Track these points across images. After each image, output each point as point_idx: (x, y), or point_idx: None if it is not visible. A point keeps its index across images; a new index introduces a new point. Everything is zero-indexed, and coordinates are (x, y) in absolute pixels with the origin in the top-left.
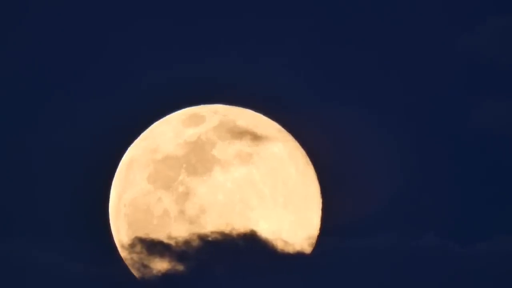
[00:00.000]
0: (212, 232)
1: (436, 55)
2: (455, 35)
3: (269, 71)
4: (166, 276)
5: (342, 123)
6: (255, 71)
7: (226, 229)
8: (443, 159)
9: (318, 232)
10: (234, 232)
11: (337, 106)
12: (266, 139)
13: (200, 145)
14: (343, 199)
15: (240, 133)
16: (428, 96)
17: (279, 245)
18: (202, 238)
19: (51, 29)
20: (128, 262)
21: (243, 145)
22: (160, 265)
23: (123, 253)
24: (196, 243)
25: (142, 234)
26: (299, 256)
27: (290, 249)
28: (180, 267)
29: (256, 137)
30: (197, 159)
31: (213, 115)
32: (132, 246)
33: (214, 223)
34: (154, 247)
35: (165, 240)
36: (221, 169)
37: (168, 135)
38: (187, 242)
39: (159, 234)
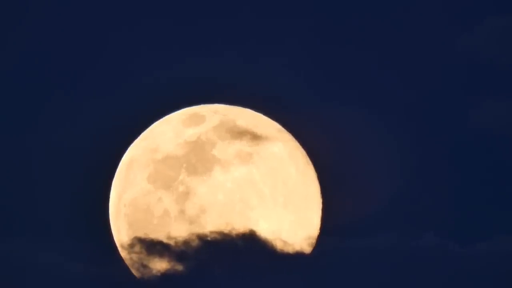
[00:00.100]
0: (211, 232)
1: (436, 55)
2: (455, 35)
3: (269, 71)
4: (165, 276)
5: (342, 123)
6: (255, 71)
7: (226, 229)
8: (443, 159)
9: (318, 232)
10: (234, 232)
11: (337, 106)
12: (266, 139)
13: (200, 145)
14: (343, 199)
15: (240, 133)
16: (428, 96)
17: (279, 245)
18: (202, 238)
19: (51, 29)
20: (128, 262)
21: (243, 145)
22: (160, 265)
23: (123, 253)
24: (195, 243)
25: (142, 234)
26: (298, 256)
27: (290, 249)
28: (179, 267)
29: (256, 137)
30: (197, 159)
31: (213, 115)
32: (131, 246)
33: (214, 223)
34: (153, 247)
35: (165, 240)
36: (221, 169)
37: (168, 135)
38: (186, 242)
39: (159, 234)
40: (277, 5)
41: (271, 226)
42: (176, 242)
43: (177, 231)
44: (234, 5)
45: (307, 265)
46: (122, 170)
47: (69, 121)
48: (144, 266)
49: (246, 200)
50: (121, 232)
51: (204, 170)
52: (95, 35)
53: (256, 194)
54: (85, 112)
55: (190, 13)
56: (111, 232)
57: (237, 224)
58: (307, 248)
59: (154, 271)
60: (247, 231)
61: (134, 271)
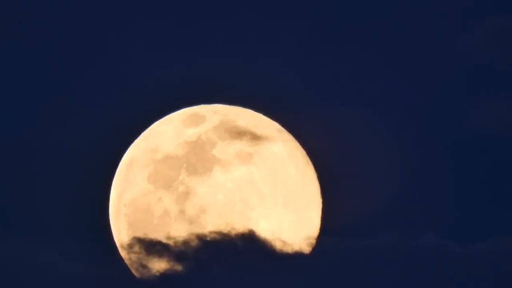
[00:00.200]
0: (210, 232)
1: (435, 55)
2: (454, 35)
3: (269, 71)
4: (164, 276)
5: (342, 123)
6: (255, 71)
7: (226, 228)
8: (443, 159)
9: (318, 232)
10: (233, 232)
11: (337, 106)
12: (266, 139)
13: (200, 145)
14: (343, 199)
15: (240, 133)
16: (428, 96)
17: (278, 245)
18: (201, 238)
19: (51, 29)
20: (128, 262)
21: (243, 145)
22: (159, 265)
23: (123, 253)
24: (194, 243)
25: (142, 234)
26: (298, 256)
27: (290, 249)
28: (178, 267)
29: (256, 137)
30: (197, 158)
31: (213, 115)
32: (130, 246)
33: (214, 222)
34: (152, 247)
35: (164, 240)
36: (221, 168)
37: (168, 135)
38: (185, 242)
39: (160, 234)
40: (277, 5)
41: (271, 226)
42: (175, 242)
43: (177, 231)
44: (234, 5)
45: (306, 265)
46: (122, 170)
47: (69, 121)
48: (143, 266)
49: (246, 200)
50: (121, 232)
51: (204, 170)
52: (95, 35)
53: (256, 194)
54: (85, 112)
55: (190, 13)
56: (111, 232)
57: (237, 224)
58: (306, 248)
59: (153, 271)
60: (247, 231)
61: (134, 271)
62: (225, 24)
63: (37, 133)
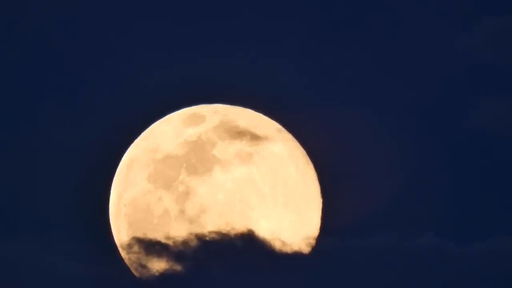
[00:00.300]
0: (210, 232)
1: (435, 55)
2: (453, 35)
3: (269, 71)
4: (164, 276)
5: (342, 123)
6: (255, 71)
7: (225, 228)
8: (442, 159)
9: (318, 232)
10: (232, 232)
11: (337, 106)
12: (266, 138)
13: (200, 144)
14: (343, 199)
15: (240, 133)
16: (427, 96)
17: (278, 245)
18: (200, 238)
19: (51, 29)
20: (128, 262)
21: (243, 145)
22: (158, 265)
23: (123, 253)
24: (193, 243)
25: (142, 233)
26: (298, 256)
27: (290, 249)
28: (178, 267)
29: (256, 137)
30: (197, 158)
31: (213, 115)
32: (130, 246)
33: (214, 222)
34: (152, 247)
35: (163, 240)
36: (221, 168)
37: (168, 134)
38: (185, 242)
39: (159, 233)
40: (277, 5)
41: (271, 226)
42: (174, 242)
43: (177, 231)
44: (234, 5)
45: (306, 265)
46: (122, 170)
47: (69, 121)
48: (143, 266)
49: (246, 200)
50: (121, 232)
51: (204, 170)
52: (95, 35)
53: (256, 194)
54: (85, 112)
55: (190, 13)
56: (111, 232)
57: (237, 224)
58: (306, 248)
59: (152, 271)
60: (246, 231)
61: (134, 271)
62: (225, 24)
63: (37, 133)
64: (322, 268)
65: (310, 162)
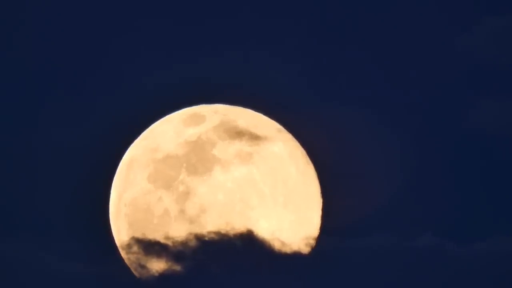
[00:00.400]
0: (209, 232)
1: (434, 55)
2: (453, 35)
3: (269, 71)
4: (163, 276)
5: (342, 123)
6: (255, 71)
7: (226, 228)
8: (442, 159)
9: (318, 232)
10: (231, 232)
11: (337, 106)
12: (266, 138)
13: (200, 144)
14: (343, 199)
15: (240, 133)
16: (426, 96)
17: (277, 245)
18: (199, 238)
19: (52, 29)
20: (128, 262)
21: (243, 145)
22: (157, 265)
23: (123, 253)
24: (193, 243)
25: (142, 233)
26: (297, 256)
27: (290, 249)
28: (177, 267)
29: (256, 137)
30: (198, 158)
31: (213, 115)
32: (129, 246)
33: (214, 222)
34: (151, 247)
35: (162, 240)
36: (221, 168)
37: (169, 134)
38: (184, 242)
39: (160, 233)
40: (277, 5)
41: (271, 226)
42: (173, 242)
43: (177, 231)
44: (234, 5)
45: (306, 265)
46: (123, 169)
47: (69, 121)
48: (142, 267)
49: (246, 200)
50: (121, 232)
51: (204, 170)
52: (95, 35)
53: (256, 194)
54: (85, 112)
55: (190, 13)
56: (111, 232)
57: (237, 224)
58: (305, 248)
59: (152, 272)
60: (245, 231)
61: (134, 271)
62: (225, 24)
63: (37, 133)
64: (322, 268)
65: (310, 162)
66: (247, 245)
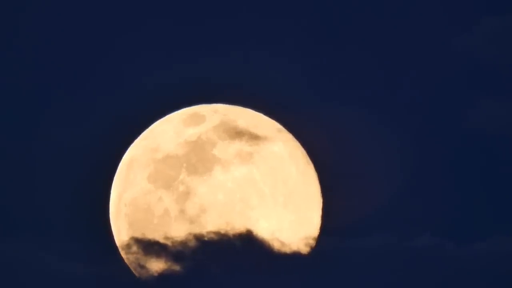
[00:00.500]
0: (208, 232)
1: (434, 56)
2: (452, 35)
3: (269, 71)
4: (163, 276)
5: (342, 123)
6: (255, 71)
7: (226, 228)
8: (442, 159)
9: (318, 232)
10: (231, 232)
11: (337, 106)
12: (266, 138)
13: (200, 144)
14: (343, 199)
15: (241, 133)
16: (426, 97)
17: (276, 245)
18: (199, 238)
19: (52, 29)
20: (128, 262)
21: (243, 145)
22: (157, 265)
23: (123, 253)
24: (192, 243)
25: (142, 233)
26: (297, 256)
27: (290, 249)
28: (176, 267)
29: (256, 137)
30: (198, 158)
31: (213, 115)
32: (128, 246)
33: (214, 222)
34: (150, 247)
35: (162, 240)
36: (222, 168)
37: (169, 134)
38: (183, 243)
39: (160, 233)
40: (277, 5)
41: (271, 226)
42: (173, 243)
43: (177, 231)
44: (234, 5)
45: (306, 265)
46: (123, 169)
47: (70, 121)
48: (142, 267)
49: (246, 200)
50: (122, 232)
51: (204, 170)
52: (95, 35)
53: (256, 194)
54: (85, 112)
55: (190, 13)
56: (111, 232)
57: (237, 224)
58: (304, 248)
59: (151, 272)
60: (244, 231)
61: (134, 271)
62: (225, 24)
63: (37, 133)
64: (322, 268)
65: (310, 162)
66: (247, 245)
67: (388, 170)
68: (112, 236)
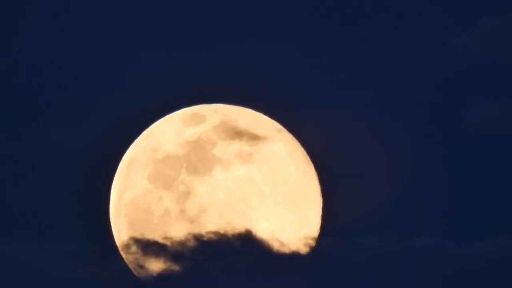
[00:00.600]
0: (207, 232)
1: (433, 56)
2: (450, 35)
3: (269, 71)
4: (162, 276)
5: (342, 123)
6: (255, 71)
7: (226, 228)
8: (441, 159)
9: (318, 232)
10: (230, 232)
11: (337, 106)
12: (266, 138)
13: (200, 144)
14: (343, 199)
15: (241, 133)
16: (425, 97)
17: (276, 245)
18: (198, 238)
19: (52, 29)
20: (128, 262)
21: (243, 145)
22: (156, 265)
23: (123, 253)
24: (191, 243)
25: (141, 233)
26: (298, 256)
27: (289, 249)
28: (175, 267)
29: (256, 137)
30: (198, 158)
31: (213, 115)
32: (128, 246)
33: (214, 222)
34: (149, 247)
35: (161, 241)
36: (222, 168)
37: (169, 134)
38: (182, 243)
39: (160, 233)
40: (277, 5)
41: (271, 226)
42: (172, 243)
43: (177, 231)
44: (234, 5)
45: (306, 265)
46: (123, 169)
47: (70, 121)
48: (141, 267)
49: (247, 200)
50: (122, 232)
51: (204, 170)
52: (95, 35)
53: (256, 194)
54: (85, 112)
55: (190, 13)
56: (111, 232)
57: (237, 224)
58: (304, 248)
59: (150, 272)
60: (244, 231)
61: (134, 271)
62: (225, 24)
63: (37, 133)
64: (322, 268)
65: (310, 162)
66: (246, 245)
67: (388, 170)
68: (112, 236)
